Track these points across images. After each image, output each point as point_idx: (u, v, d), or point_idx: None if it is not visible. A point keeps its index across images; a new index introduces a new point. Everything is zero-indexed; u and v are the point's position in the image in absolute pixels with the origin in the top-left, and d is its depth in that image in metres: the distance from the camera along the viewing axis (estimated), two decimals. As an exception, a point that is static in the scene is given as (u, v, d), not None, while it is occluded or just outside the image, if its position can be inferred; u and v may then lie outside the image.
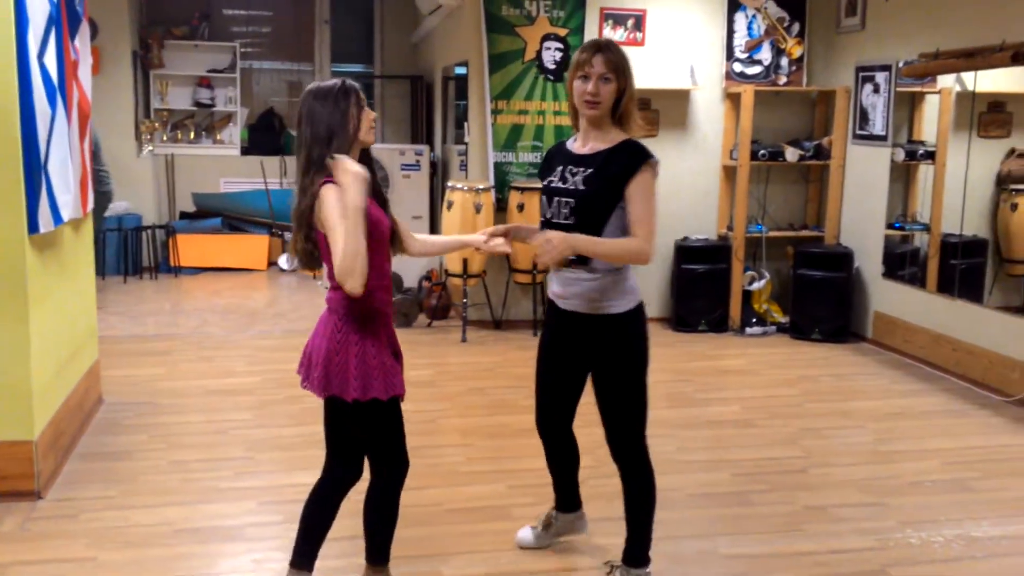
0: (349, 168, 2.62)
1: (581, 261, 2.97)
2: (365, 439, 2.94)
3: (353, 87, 2.84)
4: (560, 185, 3.05)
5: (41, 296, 4.00)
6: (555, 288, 3.14)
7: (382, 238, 2.84)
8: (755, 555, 3.55)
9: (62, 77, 4.14)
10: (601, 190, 2.95)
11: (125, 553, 3.47)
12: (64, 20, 4.23)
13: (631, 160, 2.95)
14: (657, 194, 2.97)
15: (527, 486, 4.00)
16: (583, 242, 2.88)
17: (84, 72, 4.71)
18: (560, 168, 3.08)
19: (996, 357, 5.58)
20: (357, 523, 3.73)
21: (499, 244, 3.17)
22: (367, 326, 2.82)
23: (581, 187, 2.98)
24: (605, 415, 3.14)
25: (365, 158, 2.88)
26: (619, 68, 2.96)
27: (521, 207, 6.75)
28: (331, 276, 2.77)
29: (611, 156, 2.97)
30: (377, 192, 2.90)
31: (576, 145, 3.11)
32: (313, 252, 2.78)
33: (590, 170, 2.98)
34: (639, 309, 3.09)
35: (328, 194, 2.64)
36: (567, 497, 3.50)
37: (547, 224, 3.06)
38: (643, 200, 2.92)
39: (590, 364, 3.12)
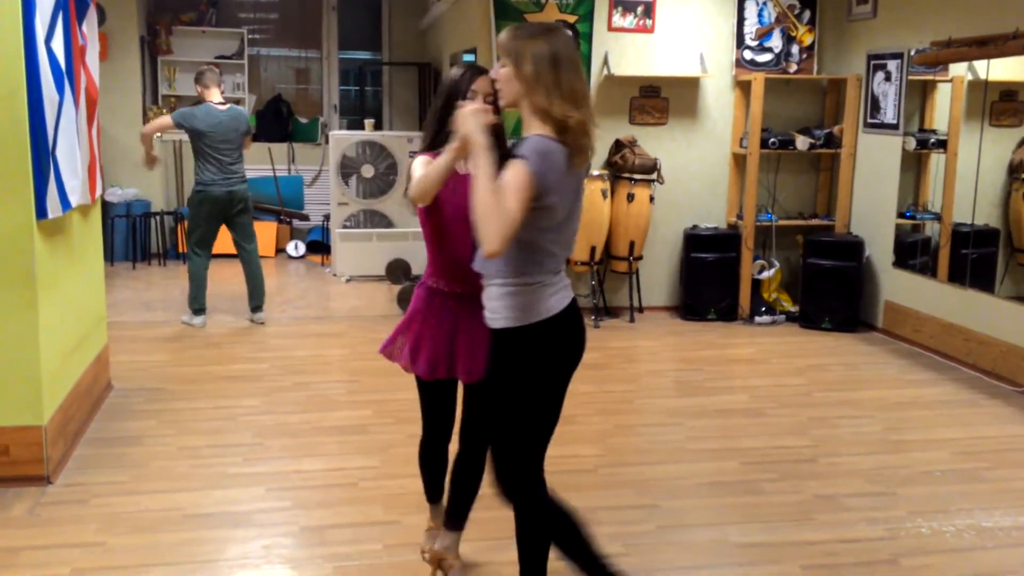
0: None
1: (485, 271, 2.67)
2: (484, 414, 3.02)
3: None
4: None
5: (49, 282, 4.00)
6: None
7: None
8: (765, 544, 3.54)
9: (69, 62, 4.12)
10: None
11: (135, 538, 3.48)
12: (71, 5, 4.21)
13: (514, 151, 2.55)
14: (521, 190, 2.41)
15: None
16: (486, 152, 2.46)
17: (92, 58, 4.69)
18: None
19: (1007, 347, 5.55)
20: (364, 509, 3.75)
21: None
22: (422, 300, 3.01)
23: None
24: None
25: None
26: (512, 50, 2.63)
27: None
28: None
29: (515, 147, 2.59)
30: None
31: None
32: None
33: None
34: (525, 330, 2.62)
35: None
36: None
37: None
38: (507, 178, 2.43)
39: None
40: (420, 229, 2.99)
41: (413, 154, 2.80)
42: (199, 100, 6.63)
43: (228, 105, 6.68)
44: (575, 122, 2.53)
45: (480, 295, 2.71)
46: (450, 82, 2.85)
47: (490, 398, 2.75)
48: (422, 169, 2.68)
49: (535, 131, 2.56)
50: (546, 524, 2.78)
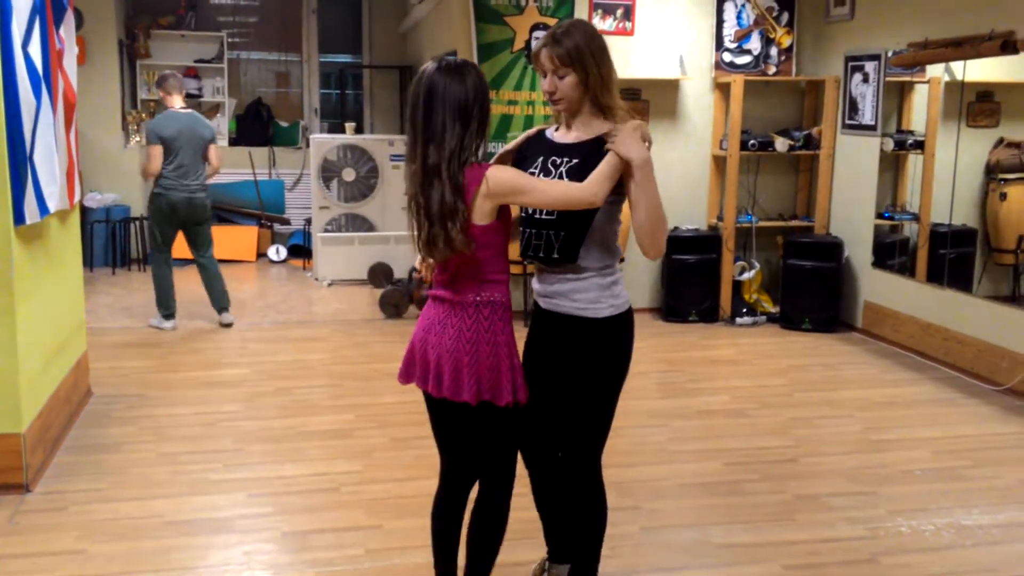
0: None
1: (564, 259, 2.71)
2: (489, 445, 2.75)
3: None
4: (543, 177, 2.75)
5: (28, 288, 3.97)
6: (538, 286, 2.86)
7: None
8: (747, 544, 3.55)
9: (47, 67, 4.10)
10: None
11: (115, 546, 3.45)
12: (49, 9, 4.19)
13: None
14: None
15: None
16: (647, 155, 2.60)
17: (69, 62, 4.66)
18: (541, 159, 2.77)
19: (985, 346, 5.60)
20: (347, 514, 3.74)
21: None
22: (509, 321, 2.69)
23: (566, 179, 2.68)
24: (569, 428, 2.84)
25: None
26: (575, 58, 2.64)
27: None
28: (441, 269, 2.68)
29: (594, 145, 2.67)
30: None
31: (559, 134, 2.81)
32: (469, 242, 2.56)
33: (575, 160, 2.69)
34: (626, 316, 2.79)
35: (499, 172, 2.57)
36: (558, 542, 3.10)
37: (528, 219, 2.76)
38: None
39: (568, 373, 2.79)
40: (406, 232, 2.87)
41: (478, 168, 2.55)
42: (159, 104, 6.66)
43: (189, 111, 6.72)
44: (622, 108, 2.75)
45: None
46: (483, 89, 2.59)
47: (588, 393, 2.77)
48: (528, 180, 2.58)
49: (600, 125, 2.71)
50: (605, 510, 2.92)
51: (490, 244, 2.60)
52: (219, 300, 6.82)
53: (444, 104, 2.52)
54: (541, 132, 2.90)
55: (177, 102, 6.67)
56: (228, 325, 6.80)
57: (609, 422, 2.84)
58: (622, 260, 2.95)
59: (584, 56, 2.65)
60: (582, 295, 2.72)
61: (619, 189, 2.64)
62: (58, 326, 4.52)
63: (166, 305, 6.68)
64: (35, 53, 3.92)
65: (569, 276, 2.74)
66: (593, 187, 2.55)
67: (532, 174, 2.74)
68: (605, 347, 2.74)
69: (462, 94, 2.53)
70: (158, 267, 6.68)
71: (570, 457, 2.86)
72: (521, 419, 2.76)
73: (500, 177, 2.55)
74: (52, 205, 4.14)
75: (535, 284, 2.88)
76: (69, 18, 4.67)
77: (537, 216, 2.74)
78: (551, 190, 2.58)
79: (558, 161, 2.74)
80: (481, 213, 2.56)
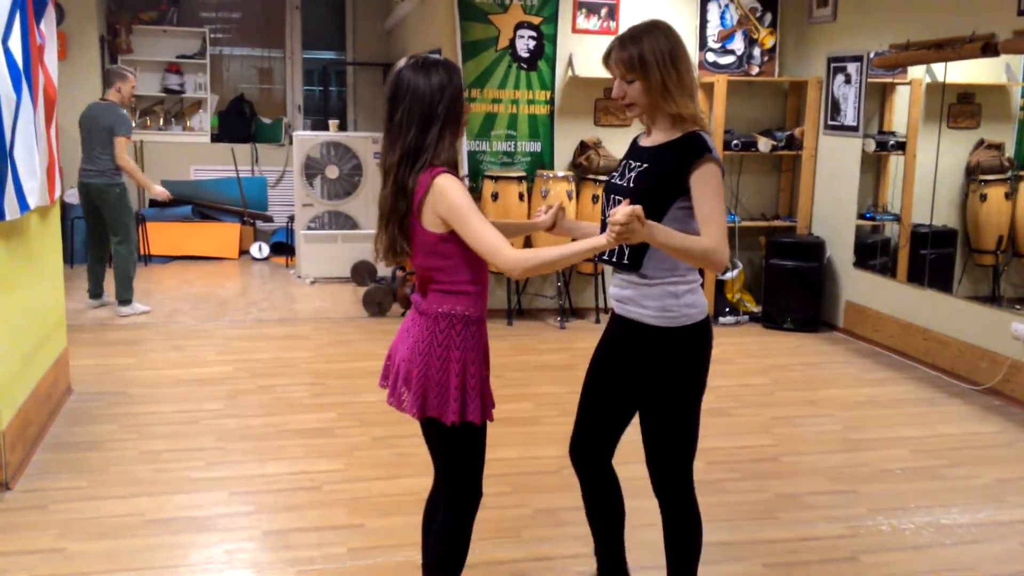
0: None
1: (632, 266, 2.65)
2: (441, 462, 2.65)
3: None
4: (617, 181, 2.71)
5: (7, 284, 3.94)
6: (612, 290, 2.79)
7: None
8: (728, 542, 3.57)
9: (27, 62, 4.06)
10: (653, 187, 2.57)
11: (95, 544, 3.43)
12: (29, 4, 4.15)
13: (686, 155, 2.56)
14: (722, 190, 2.58)
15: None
16: (659, 231, 2.42)
17: (50, 57, 4.63)
18: (624, 163, 2.74)
19: (965, 346, 5.64)
20: (329, 513, 3.73)
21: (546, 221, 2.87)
22: (471, 336, 2.51)
23: (631, 184, 2.64)
24: (648, 443, 2.77)
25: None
26: (640, 64, 2.57)
27: (495, 196, 6.73)
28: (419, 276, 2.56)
29: (668, 150, 2.60)
30: None
31: (644, 138, 2.76)
32: (405, 247, 2.49)
33: (645, 165, 2.65)
34: (702, 326, 2.70)
35: (450, 184, 2.41)
36: (609, 558, 3.00)
37: (604, 225, 2.61)
38: (707, 197, 2.52)
39: (637, 382, 2.73)
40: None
41: (430, 172, 2.43)
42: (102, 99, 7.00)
43: (107, 102, 6.91)
44: (696, 115, 2.62)
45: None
46: (451, 88, 2.47)
47: (663, 405, 2.69)
48: (472, 202, 2.41)
49: (686, 129, 2.61)
50: (699, 526, 2.84)
51: (448, 254, 2.44)
52: (119, 292, 7.00)
53: (406, 102, 2.43)
54: (638, 136, 2.84)
55: (107, 93, 6.96)
56: (122, 316, 6.94)
57: (691, 436, 2.74)
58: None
59: (648, 63, 2.57)
60: (653, 303, 2.64)
61: (687, 198, 2.56)
62: (38, 322, 4.49)
63: (91, 288, 7.13)
64: (15, 48, 3.89)
65: (637, 281, 2.67)
66: (520, 261, 2.36)
67: (613, 178, 2.74)
68: (678, 358, 2.67)
69: (425, 92, 2.42)
70: (100, 255, 7.17)
71: (655, 473, 2.79)
72: (482, 440, 2.60)
73: (445, 193, 2.39)
74: (32, 201, 4.11)
75: (611, 288, 2.83)
76: (50, 13, 4.63)
77: (606, 218, 2.61)
78: (481, 237, 2.37)
79: (633, 164, 2.70)
80: (431, 220, 2.43)
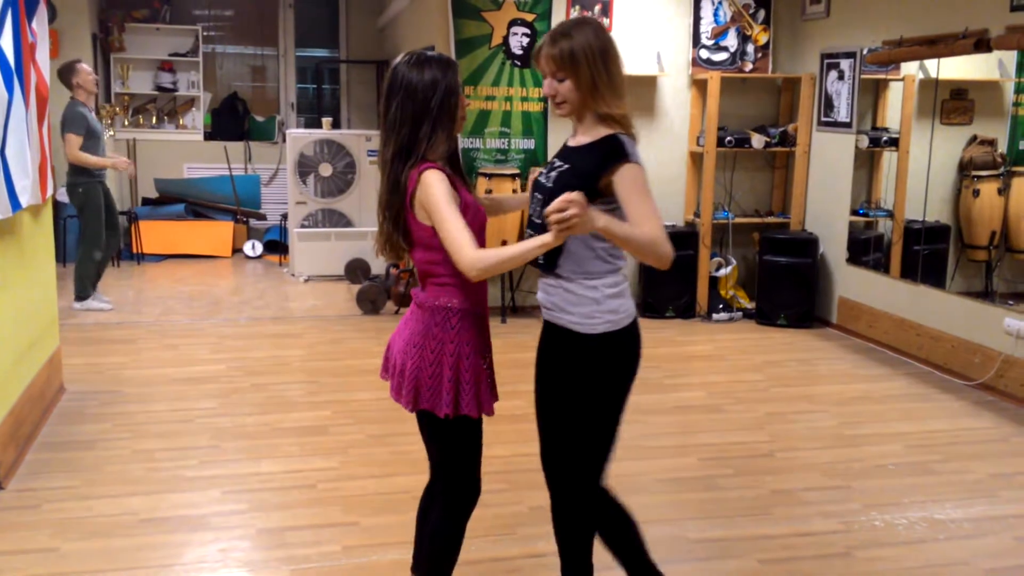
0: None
1: (546, 267, 2.56)
2: (436, 455, 2.66)
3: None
4: (542, 180, 2.63)
5: None
6: (539, 295, 2.69)
7: (480, 228, 2.54)
8: (723, 539, 3.57)
9: (19, 60, 4.05)
10: (571, 188, 2.36)
11: (89, 544, 3.43)
12: (21, 2, 4.14)
13: (603, 158, 2.48)
14: (648, 190, 2.50)
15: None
16: (601, 217, 2.33)
17: (42, 55, 4.61)
18: (551, 162, 2.66)
19: (958, 342, 5.65)
20: (323, 511, 3.72)
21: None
22: (467, 329, 2.53)
23: (552, 184, 2.55)
24: (544, 441, 2.74)
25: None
26: (571, 60, 2.47)
27: (489, 193, 6.73)
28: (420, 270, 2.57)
29: (588, 152, 2.53)
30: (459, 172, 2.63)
31: (571, 138, 2.67)
32: (400, 242, 2.51)
33: (566, 165, 2.57)
34: (626, 332, 2.58)
35: (433, 179, 2.40)
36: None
37: (529, 224, 2.64)
38: (633, 198, 2.44)
39: (559, 389, 2.63)
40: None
41: (420, 167, 2.43)
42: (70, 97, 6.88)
43: (70, 101, 6.84)
44: (625, 116, 2.54)
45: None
46: (446, 84, 2.47)
47: (576, 412, 2.59)
48: (450, 200, 2.38)
49: (606, 131, 2.52)
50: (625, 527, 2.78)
51: (441, 247, 2.42)
52: (75, 287, 7.05)
53: (400, 97, 2.44)
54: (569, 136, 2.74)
55: (74, 93, 6.86)
56: (75, 309, 6.97)
57: (603, 444, 2.63)
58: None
59: (578, 59, 2.47)
60: (576, 308, 2.53)
61: (611, 197, 2.47)
62: (30, 321, 4.47)
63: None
64: (7, 46, 3.87)
65: (556, 284, 2.56)
66: (475, 262, 2.32)
67: (539, 176, 2.66)
68: (597, 365, 2.55)
69: (419, 88, 2.43)
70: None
71: (563, 477, 2.70)
72: (478, 434, 2.60)
73: (426, 188, 2.40)
74: (24, 200, 4.10)
75: (538, 293, 2.71)
76: (42, 11, 4.62)
77: (533, 219, 2.61)
78: (449, 234, 2.36)
79: (556, 163, 2.62)
80: (422, 214, 2.44)
